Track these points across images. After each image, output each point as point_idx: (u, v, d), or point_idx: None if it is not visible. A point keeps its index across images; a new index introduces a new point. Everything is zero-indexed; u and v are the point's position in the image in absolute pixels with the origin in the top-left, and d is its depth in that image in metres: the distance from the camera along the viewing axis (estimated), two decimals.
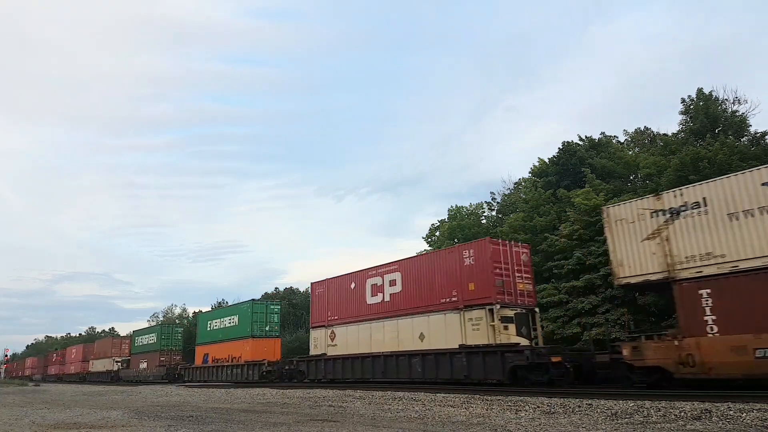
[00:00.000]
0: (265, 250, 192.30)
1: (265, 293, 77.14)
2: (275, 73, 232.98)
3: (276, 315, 35.17)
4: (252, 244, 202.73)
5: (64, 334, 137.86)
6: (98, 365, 58.75)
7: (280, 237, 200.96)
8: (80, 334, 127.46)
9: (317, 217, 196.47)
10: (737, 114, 30.24)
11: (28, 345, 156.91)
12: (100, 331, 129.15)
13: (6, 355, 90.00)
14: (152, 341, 48.72)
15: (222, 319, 37.74)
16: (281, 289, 77.44)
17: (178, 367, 44.10)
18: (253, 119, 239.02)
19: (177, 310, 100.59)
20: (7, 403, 17.71)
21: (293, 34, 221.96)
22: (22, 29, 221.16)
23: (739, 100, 30.99)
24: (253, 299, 35.20)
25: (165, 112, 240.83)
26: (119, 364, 54.78)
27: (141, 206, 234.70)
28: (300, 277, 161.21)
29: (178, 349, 48.10)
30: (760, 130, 28.80)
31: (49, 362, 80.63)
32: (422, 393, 15.58)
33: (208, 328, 39.43)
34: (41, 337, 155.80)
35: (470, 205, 45.10)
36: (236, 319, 35.41)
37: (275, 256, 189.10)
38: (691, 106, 30.96)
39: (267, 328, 34.43)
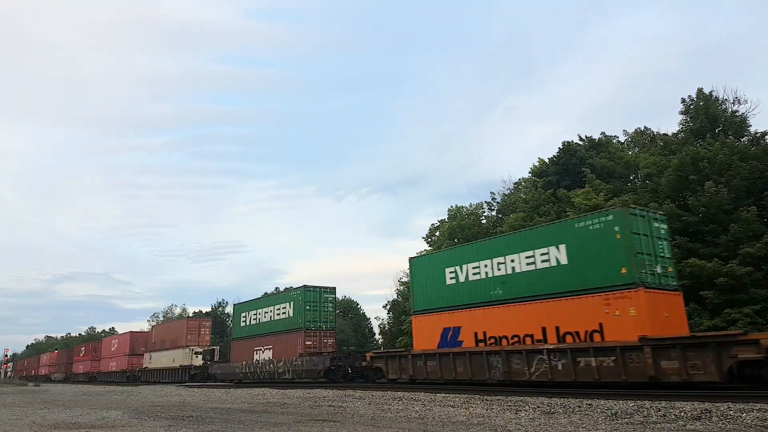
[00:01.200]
0: (265, 250, 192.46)
1: (265, 293, 77.21)
2: (275, 73, 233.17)
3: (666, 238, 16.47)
4: (252, 244, 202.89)
5: (64, 334, 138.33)
6: (162, 359, 42.00)
7: (280, 237, 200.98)
8: (80, 334, 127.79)
9: (317, 217, 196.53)
10: (737, 114, 30.29)
11: (28, 345, 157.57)
12: (100, 330, 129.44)
13: (6, 355, 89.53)
14: (283, 316, 30.11)
15: (503, 259, 18.34)
16: (281, 289, 77.55)
17: (364, 355, 25.28)
18: (253, 120, 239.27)
19: (177, 310, 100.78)
20: (7, 404, 17.68)
21: (293, 35, 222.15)
22: (22, 29, 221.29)
23: (739, 100, 31.08)
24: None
25: (165, 113, 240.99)
26: (200, 356, 38.16)
27: (141, 206, 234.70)
28: (300, 277, 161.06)
29: (330, 328, 29.32)
30: (760, 130, 28.89)
31: (73, 358, 63.54)
32: (422, 393, 15.57)
33: (450, 281, 20.36)
34: (41, 337, 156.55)
35: (470, 205, 45.33)
36: (561, 252, 16.63)
37: (275, 256, 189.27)
38: (691, 106, 30.99)
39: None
